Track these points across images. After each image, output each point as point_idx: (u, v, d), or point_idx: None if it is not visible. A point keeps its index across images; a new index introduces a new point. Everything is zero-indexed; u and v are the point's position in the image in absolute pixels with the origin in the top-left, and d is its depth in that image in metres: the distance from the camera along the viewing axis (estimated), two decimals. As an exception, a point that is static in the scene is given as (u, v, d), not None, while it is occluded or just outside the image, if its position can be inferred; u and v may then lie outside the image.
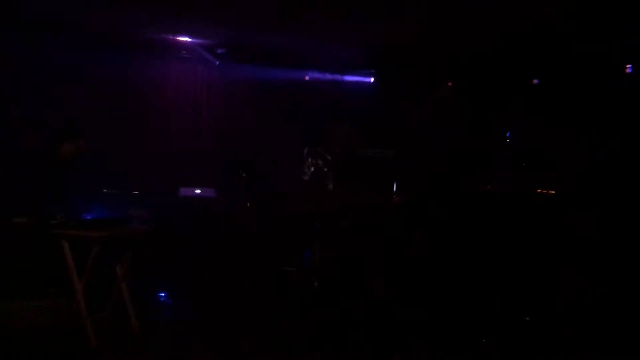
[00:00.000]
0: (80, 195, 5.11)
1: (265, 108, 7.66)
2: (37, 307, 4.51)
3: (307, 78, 7.13)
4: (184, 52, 7.22)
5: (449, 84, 6.57)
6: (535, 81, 5.95)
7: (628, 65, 5.35)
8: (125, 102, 7.01)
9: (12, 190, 5.71)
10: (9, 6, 5.64)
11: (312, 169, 5.38)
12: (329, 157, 5.45)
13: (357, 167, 5.51)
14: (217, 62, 7.23)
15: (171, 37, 6.67)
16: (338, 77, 7.28)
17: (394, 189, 5.56)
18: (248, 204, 5.00)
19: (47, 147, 5.23)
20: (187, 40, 6.79)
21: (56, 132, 5.22)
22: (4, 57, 6.33)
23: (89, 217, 5.31)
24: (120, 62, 7.01)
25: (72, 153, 5.19)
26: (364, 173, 5.52)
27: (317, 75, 7.26)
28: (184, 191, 6.58)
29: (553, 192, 4.97)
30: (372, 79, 7.30)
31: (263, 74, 7.36)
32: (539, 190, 5.07)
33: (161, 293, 5.75)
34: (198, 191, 6.61)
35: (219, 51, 7.00)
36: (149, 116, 7.21)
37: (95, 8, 5.57)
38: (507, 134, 5.80)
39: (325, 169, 5.40)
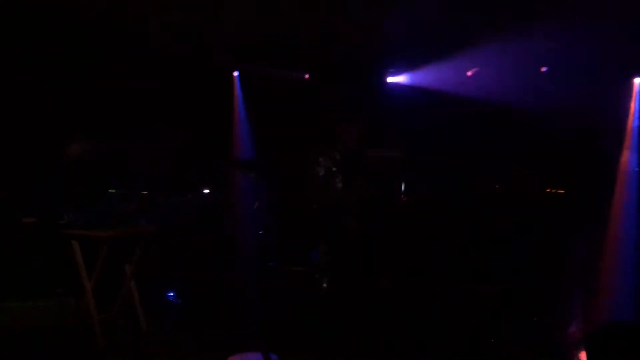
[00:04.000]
0: (88, 196, 5.11)
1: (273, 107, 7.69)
2: (45, 306, 4.52)
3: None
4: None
5: None
6: None
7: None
8: (133, 101, 7.02)
9: (22, 190, 5.74)
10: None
11: (321, 168, 5.37)
12: (338, 157, 5.43)
13: (365, 167, 5.49)
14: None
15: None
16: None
17: (402, 188, 5.54)
18: (256, 204, 4.99)
19: (54, 148, 5.23)
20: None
21: (63, 133, 5.22)
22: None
23: (97, 217, 5.33)
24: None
25: (79, 154, 5.17)
26: (372, 172, 5.49)
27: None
28: (193, 192, 6.58)
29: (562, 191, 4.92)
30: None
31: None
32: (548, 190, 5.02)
33: (169, 292, 5.75)
34: (207, 191, 6.61)
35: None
36: (158, 115, 7.22)
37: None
38: None
39: (334, 169, 5.39)
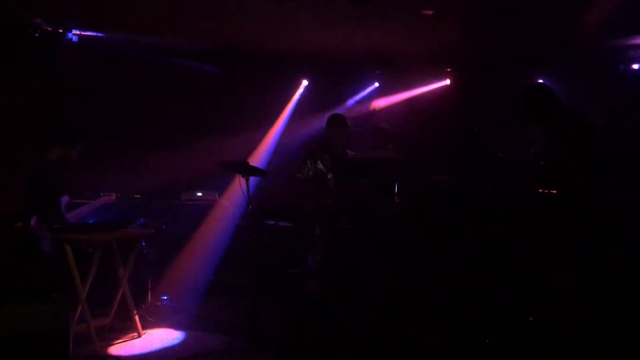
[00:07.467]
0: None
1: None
2: (39, 311, 4.51)
3: None
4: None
5: None
6: None
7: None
8: (126, 104, 7.01)
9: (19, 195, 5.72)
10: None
11: (312, 171, 5.39)
12: (329, 159, 5.45)
13: (357, 169, 5.51)
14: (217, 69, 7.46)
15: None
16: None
17: (395, 190, 5.56)
18: (249, 207, 4.99)
19: (35, 152, 5.17)
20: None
21: (46, 136, 5.15)
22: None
23: (91, 221, 5.33)
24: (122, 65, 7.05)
25: (61, 159, 4.97)
26: (364, 174, 5.51)
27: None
28: (186, 194, 6.58)
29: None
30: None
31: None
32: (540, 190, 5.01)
33: (164, 296, 5.75)
34: (200, 194, 6.61)
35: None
36: (151, 118, 7.22)
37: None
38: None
39: (325, 171, 5.41)
